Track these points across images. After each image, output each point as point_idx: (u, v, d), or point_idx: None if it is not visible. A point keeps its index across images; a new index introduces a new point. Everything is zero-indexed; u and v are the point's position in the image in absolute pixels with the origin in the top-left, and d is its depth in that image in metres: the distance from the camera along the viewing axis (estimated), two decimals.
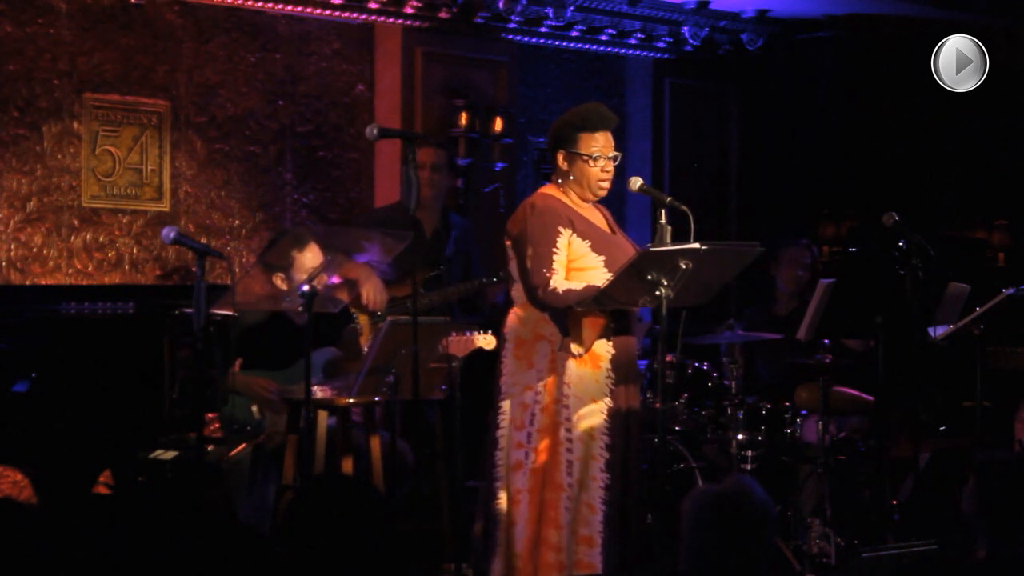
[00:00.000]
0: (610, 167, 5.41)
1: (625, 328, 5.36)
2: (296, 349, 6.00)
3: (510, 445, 5.36)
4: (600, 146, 5.38)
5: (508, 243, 5.41)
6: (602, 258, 5.31)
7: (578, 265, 5.30)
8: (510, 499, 5.33)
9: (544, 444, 5.29)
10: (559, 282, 5.22)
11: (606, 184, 5.42)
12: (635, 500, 5.33)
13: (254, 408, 6.35)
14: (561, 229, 5.29)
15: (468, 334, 6.20)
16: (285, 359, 6.13)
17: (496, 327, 5.71)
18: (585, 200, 5.44)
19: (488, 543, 5.39)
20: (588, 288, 5.19)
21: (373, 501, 3.26)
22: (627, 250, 5.35)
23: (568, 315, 5.26)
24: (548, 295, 5.22)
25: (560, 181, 5.44)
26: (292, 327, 6.22)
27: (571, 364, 5.30)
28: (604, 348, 5.32)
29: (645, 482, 5.37)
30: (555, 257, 5.25)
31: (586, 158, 5.37)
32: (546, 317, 5.33)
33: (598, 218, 5.47)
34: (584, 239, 5.31)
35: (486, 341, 6.19)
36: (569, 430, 5.28)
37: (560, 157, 5.42)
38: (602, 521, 5.24)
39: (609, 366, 5.32)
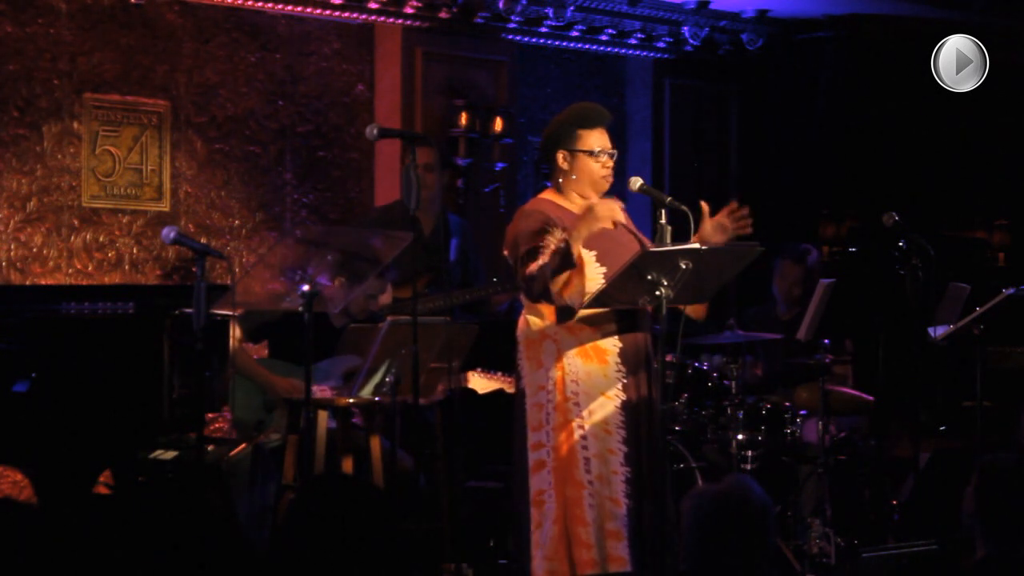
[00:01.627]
0: (610, 163, 5.42)
1: (632, 326, 5.35)
2: (323, 348, 6.01)
3: (529, 447, 5.36)
4: (600, 142, 5.40)
5: (506, 253, 5.41)
6: (594, 252, 5.30)
7: None
8: (533, 501, 5.33)
9: (561, 442, 5.29)
10: (532, 267, 5.20)
11: (608, 179, 5.42)
12: (650, 494, 5.30)
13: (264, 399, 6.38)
14: (548, 227, 5.30)
15: (492, 373, 6.26)
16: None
17: (501, 334, 5.71)
18: (587, 198, 5.44)
19: (524, 548, 5.38)
20: (552, 253, 5.11)
21: (373, 500, 3.26)
22: (627, 244, 5.33)
23: (551, 288, 5.20)
24: (526, 280, 5.20)
25: (561, 181, 5.44)
26: (327, 327, 6.24)
27: (578, 360, 5.29)
28: (610, 343, 5.31)
29: (661, 475, 5.29)
30: (542, 251, 5.25)
31: (587, 153, 5.38)
32: (549, 315, 5.33)
33: None
34: None
35: (510, 384, 6.24)
36: (582, 426, 5.27)
37: (560, 157, 5.41)
38: (626, 514, 5.24)
39: (618, 359, 5.31)
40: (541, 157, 5.69)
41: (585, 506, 5.23)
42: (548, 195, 5.47)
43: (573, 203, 5.42)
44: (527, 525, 5.35)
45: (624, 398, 5.31)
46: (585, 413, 5.27)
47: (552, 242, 5.20)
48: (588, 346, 5.31)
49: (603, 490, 5.25)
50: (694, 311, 5.51)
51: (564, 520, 5.27)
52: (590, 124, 5.40)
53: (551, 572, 5.28)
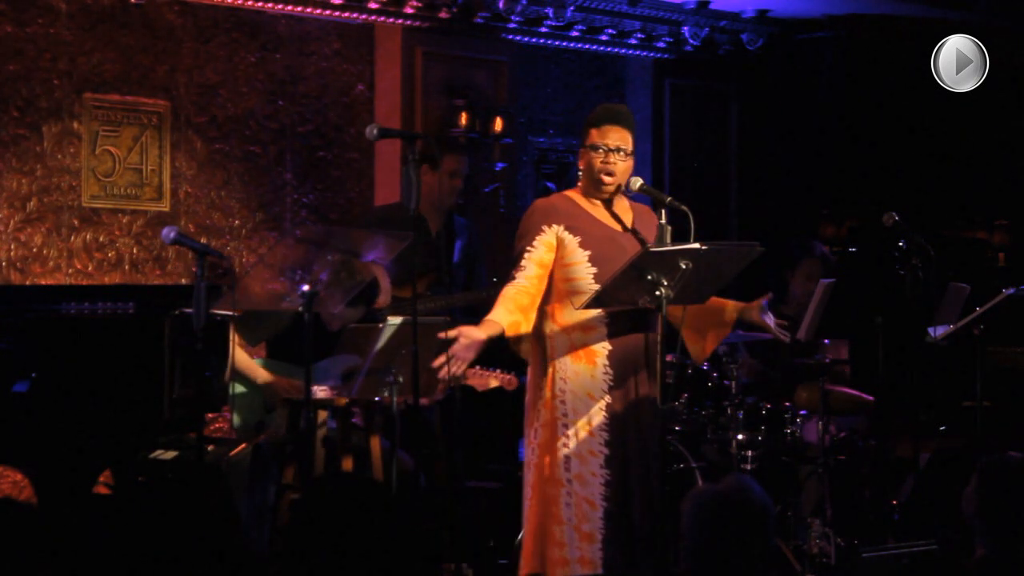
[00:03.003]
0: (612, 158, 5.40)
1: (625, 329, 5.35)
2: (321, 349, 6.00)
3: (524, 444, 5.42)
4: (602, 137, 5.40)
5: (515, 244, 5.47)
6: (588, 253, 5.33)
7: (567, 260, 5.34)
8: (527, 497, 5.38)
9: (545, 439, 5.32)
10: (516, 280, 5.30)
11: (608, 175, 5.40)
12: (638, 498, 5.30)
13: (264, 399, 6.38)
14: (545, 227, 5.34)
15: (491, 371, 6.27)
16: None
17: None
18: (596, 194, 5.46)
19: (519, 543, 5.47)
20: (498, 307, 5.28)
21: (379, 500, 3.25)
22: (627, 247, 5.34)
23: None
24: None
25: (580, 177, 5.50)
26: (323, 328, 6.25)
27: (567, 359, 5.33)
28: (601, 345, 5.34)
29: (652, 478, 5.30)
30: (527, 254, 5.32)
31: (590, 148, 5.40)
32: (550, 315, 5.36)
33: (608, 216, 5.47)
34: (575, 235, 5.34)
35: (508, 382, 6.24)
36: (566, 425, 5.31)
37: (579, 155, 5.52)
38: (602, 517, 5.25)
39: (606, 362, 5.33)
40: (542, 156, 5.77)
41: (561, 504, 5.27)
42: (570, 192, 5.54)
43: (589, 201, 5.47)
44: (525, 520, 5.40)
45: (609, 401, 5.33)
46: (570, 412, 5.32)
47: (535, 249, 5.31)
48: (579, 347, 5.34)
49: (581, 490, 5.27)
50: (697, 354, 5.55)
51: (540, 517, 5.30)
52: (596, 123, 5.44)
53: (520, 569, 5.33)
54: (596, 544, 5.24)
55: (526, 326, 5.31)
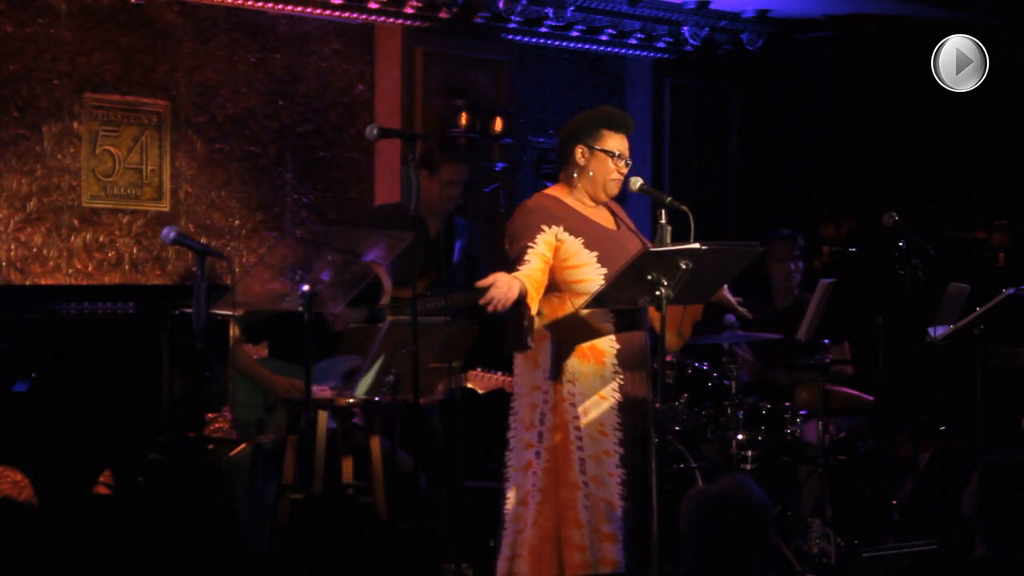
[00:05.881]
0: (625, 170, 5.42)
1: (630, 326, 5.34)
2: (322, 349, 6.00)
3: (520, 446, 5.35)
4: (621, 145, 5.40)
5: (507, 247, 5.41)
6: (595, 254, 5.30)
7: (572, 263, 5.28)
8: (519, 500, 5.32)
9: (556, 442, 5.28)
10: (521, 271, 5.21)
11: (617, 183, 5.42)
12: (645, 495, 5.29)
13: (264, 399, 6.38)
14: (545, 227, 5.28)
15: (492, 372, 6.27)
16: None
17: (501, 334, 5.70)
18: (595, 198, 5.43)
19: (496, 544, 5.39)
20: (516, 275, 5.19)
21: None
22: (628, 246, 5.33)
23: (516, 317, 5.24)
24: None
25: (574, 176, 5.42)
26: (325, 328, 6.24)
27: (574, 360, 5.28)
28: (608, 343, 5.31)
29: (651, 477, 5.29)
30: (530, 251, 5.24)
31: (607, 153, 5.37)
32: (549, 314, 5.33)
33: (602, 216, 5.46)
34: (577, 236, 5.29)
35: (508, 383, 6.26)
36: (578, 427, 5.26)
37: (579, 152, 5.39)
38: (622, 517, 5.23)
39: (615, 360, 5.30)
40: (542, 156, 5.71)
41: (579, 508, 5.22)
42: (555, 191, 5.46)
43: (580, 202, 5.42)
44: (502, 522, 5.34)
45: (620, 399, 5.30)
46: (581, 412, 5.26)
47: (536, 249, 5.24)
48: (585, 346, 5.30)
49: (598, 492, 5.23)
50: (670, 341, 5.49)
51: (553, 522, 5.26)
52: (615, 127, 5.40)
53: (521, 574, 5.27)
54: (618, 544, 5.21)
55: (533, 308, 5.24)
